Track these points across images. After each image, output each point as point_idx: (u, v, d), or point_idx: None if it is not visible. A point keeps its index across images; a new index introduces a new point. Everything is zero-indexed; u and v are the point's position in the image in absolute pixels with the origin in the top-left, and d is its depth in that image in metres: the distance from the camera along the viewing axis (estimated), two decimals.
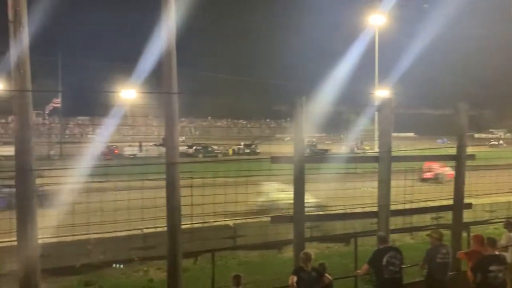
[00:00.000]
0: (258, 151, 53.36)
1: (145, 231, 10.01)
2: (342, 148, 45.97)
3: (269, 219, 8.57)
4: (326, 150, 48.21)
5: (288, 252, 10.01)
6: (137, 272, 9.60)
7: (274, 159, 8.32)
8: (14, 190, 7.01)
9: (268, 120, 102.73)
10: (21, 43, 6.48)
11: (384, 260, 6.64)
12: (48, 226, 8.06)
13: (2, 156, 42.43)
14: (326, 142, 61.65)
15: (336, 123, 55.36)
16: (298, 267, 6.51)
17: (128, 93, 46.04)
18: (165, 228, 7.92)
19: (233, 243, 11.10)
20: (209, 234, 10.24)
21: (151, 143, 52.52)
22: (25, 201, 6.40)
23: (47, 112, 57.56)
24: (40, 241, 6.69)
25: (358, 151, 44.86)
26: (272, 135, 66.46)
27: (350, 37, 45.03)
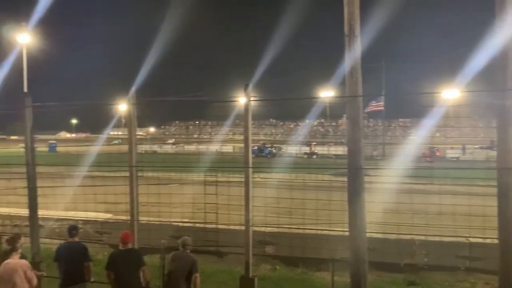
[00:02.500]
0: None
1: (471, 240, 9.28)
2: None
3: None
4: None
5: None
6: (462, 283, 9.00)
7: None
8: None
9: None
10: (354, 53, 7.16)
11: None
12: (373, 221, 8.59)
13: (334, 155, 48.57)
14: None
15: None
16: None
17: (450, 93, 43.81)
18: (495, 241, 7.11)
19: None
20: None
21: (476, 146, 48.30)
22: (356, 196, 7.03)
23: (365, 114, 61.50)
24: (367, 235, 7.23)
25: None
26: None
27: None
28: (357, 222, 7.01)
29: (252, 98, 7.97)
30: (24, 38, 40.78)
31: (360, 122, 7.31)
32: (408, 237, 9.33)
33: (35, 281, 6.53)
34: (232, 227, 9.81)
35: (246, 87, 7.79)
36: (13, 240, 7.08)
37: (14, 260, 6.41)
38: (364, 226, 7.11)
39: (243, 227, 7.77)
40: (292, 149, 53.55)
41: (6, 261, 6.36)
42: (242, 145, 8.01)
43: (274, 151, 54.26)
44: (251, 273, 7.50)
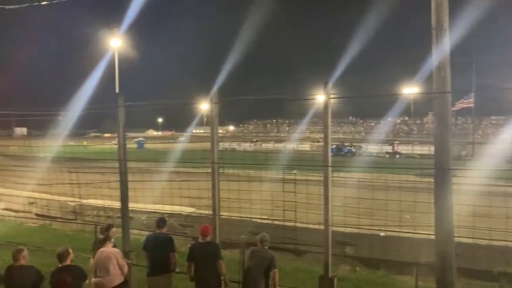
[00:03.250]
0: None
1: None
2: None
3: None
4: None
5: None
6: None
7: None
8: None
9: None
10: (442, 47, 6.78)
11: None
12: (461, 225, 8.08)
13: (418, 154, 46.27)
14: None
15: None
16: None
17: None
18: None
19: None
20: None
21: None
22: (443, 198, 6.66)
23: (453, 111, 57.57)
24: (455, 239, 6.81)
25: None
26: None
27: None
28: (444, 225, 6.65)
29: (331, 96, 7.83)
30: (116, 42, 43.90)
31: (448, 120, 6.92)
32: (502, 243, 8.62)
33: (126, 268, 7.02)
34: (310, 226, 9.75)
35: (325, 84, 7.68)
36: (107, 230, 7.69)
37: (108, 248, 6.94)
38: (452, 229, 6.72)
39: (322, 227, 7.69)
40: (373, 148, 51.87)
41: (101, 249, 6.91)
42: (320, 143, 7.93)
43: (353, 150, 52.92)
44: (331, 273, 7.40)
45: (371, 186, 10.86)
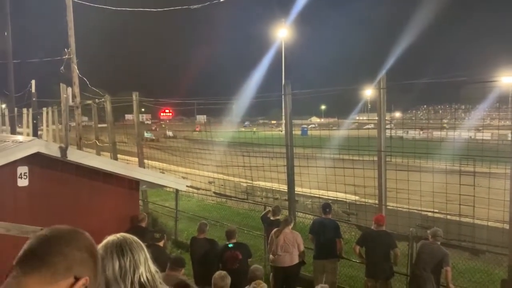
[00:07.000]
0: None
1: None
2: None
3: None
4: None
5: None
6: None
7: None
8: None
9: None
10: None
11: None
12: None
13: None
14: None
15: None
16: None
17: None
18: None
19: None
20: None
21: None
22: None
23: None
24: None
25: None
26: None
27: None
28: None
29: None
30: (283, 33, 45.69)
31: None
32: None
33: (302, 247, 7.43)
34: (490, 223, 8.73)
35: None
36: (278, 211, 8.28)
37: (289, 230, 7.39)
38: None
39: (505, 225, 6.83)
40: None
41: (284, 231, 7.33)
42: (505, 131, 7.03)
43: None
44: None
45: None
